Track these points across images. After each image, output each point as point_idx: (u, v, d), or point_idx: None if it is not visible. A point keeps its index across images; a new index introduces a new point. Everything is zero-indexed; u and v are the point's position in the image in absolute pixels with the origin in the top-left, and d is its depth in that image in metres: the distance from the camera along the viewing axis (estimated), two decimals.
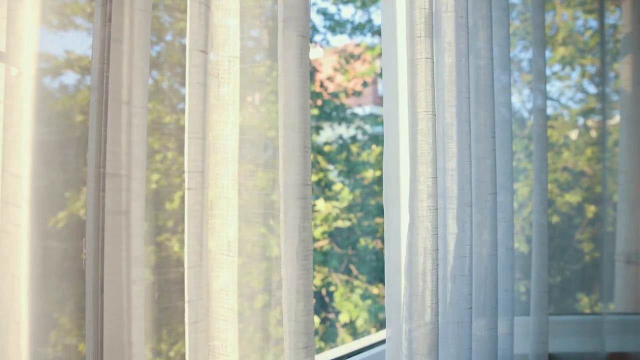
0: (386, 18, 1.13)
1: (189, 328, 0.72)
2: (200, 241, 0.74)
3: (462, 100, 1.11)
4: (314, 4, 4.76)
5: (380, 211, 4.36)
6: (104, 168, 0.63)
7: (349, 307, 4.06)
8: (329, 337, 4.15)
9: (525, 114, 2.08)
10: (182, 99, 0.81)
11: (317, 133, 4.52)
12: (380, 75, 4.91)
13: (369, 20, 4.78)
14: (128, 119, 0.65)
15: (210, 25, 0.79)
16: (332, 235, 4.31)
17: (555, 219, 2.25)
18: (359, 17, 4.80)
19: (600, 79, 2.03)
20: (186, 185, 0.73)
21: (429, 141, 1.00)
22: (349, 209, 4.32)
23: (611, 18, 2.03)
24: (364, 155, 4.53)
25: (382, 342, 1.47)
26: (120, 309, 0.64)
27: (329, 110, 4.61)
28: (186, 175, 0.73)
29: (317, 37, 4.80)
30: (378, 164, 4.43)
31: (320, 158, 4.42)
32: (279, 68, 0.78)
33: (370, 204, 4.38)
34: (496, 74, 1.38)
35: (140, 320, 0.67)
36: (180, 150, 0.81)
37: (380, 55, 4.67)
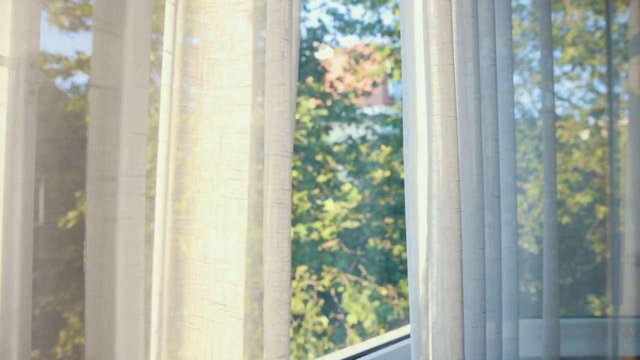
0: (405, 21, 1.12)
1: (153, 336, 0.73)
2: (170, 248, 0.74)
3: (470, 102, 1.11)
4: (324, 4, 4.76)
5: (389, 211, 4.35)
6: (94, 171, 0.63)
7: (356, 308, 4.06)
8: (337, 337, 4.15)
9: (536, 114, 2.07)
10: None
11: (327, 133, 4.52)
12: (390, 75, 4.90)
13: (379, 21, 4.78)
14: (118, 119, 0.65)
15: (195, 26, 0.80)
16: (340, 235, 4.31)
17: (566, 219, 2.23)
18: (369, 17, 4.80)
19: (609, 78, 2.02)
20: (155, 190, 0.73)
21: (455, 145, 1.02)
22: (358, 209, 4.31)
23: (622, 17, 2.01)
24: (374, 156, 4.52)
25: (389, 343, 1.47)
26: (113, 314, 0.65)
27: (339, 110, 4.61)
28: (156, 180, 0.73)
29: (327, 38, 4.80)
30: (387, 164, 4.42)
31: (329, 158, 4.42)
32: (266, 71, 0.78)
33: (380, 204, 4.38)
34: (503, 75, 1.37)
35: (130, 326, 0.66)
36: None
37: (389, 55, 4.66)
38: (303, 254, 4.11)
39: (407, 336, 1.49)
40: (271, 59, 0.77)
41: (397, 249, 4.27)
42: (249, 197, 0.80)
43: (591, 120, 2.37)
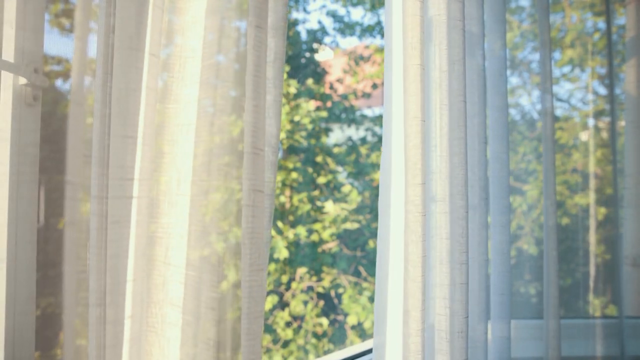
0: (387, 24, 1.13)
1: (129, 345, 0.72)
2: (142, 252, 0.73)
3: (456, 105, 1.10)
4: (324, 5, 4.76)
5: None
6: (72, 176, 0.63)
7: (356, 309, 4.05)
8: (337, 338, 4.15)
9: (535, 116, 2.07)
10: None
11: (327, 135, 4.53)
12: None
13: (378, 22, 4.79)
14: (109, 123, 0.65)
15: (172, 29, 0.80)
16: (340, 236, 4.31)
17: (565, 220, 2.24)
18: (368, 19, 4.81)
19: (609, 80, 2.02)
20: (134, 194, 0.71)
21: (418, 146, 0.99)
22: (358, 210, 4.31)
23: (621, 19, 2.01)
24: (373, 157, 4.53)
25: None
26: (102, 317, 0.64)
27: (339, 112, 4.61)
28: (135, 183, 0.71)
29: (327, 39, 4.80)
30: None
31: (329, 160, 4.42)
32: (247, 64, 0.76)
33: None
34: (501, 78, 1.37)
35: (117, 329, 0.66)
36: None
37: None
38: (303, 255, 4.11)
39: None
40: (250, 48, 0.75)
41: None
42: (212, 199, 0.79)
43: (590, 122, 2.38)
